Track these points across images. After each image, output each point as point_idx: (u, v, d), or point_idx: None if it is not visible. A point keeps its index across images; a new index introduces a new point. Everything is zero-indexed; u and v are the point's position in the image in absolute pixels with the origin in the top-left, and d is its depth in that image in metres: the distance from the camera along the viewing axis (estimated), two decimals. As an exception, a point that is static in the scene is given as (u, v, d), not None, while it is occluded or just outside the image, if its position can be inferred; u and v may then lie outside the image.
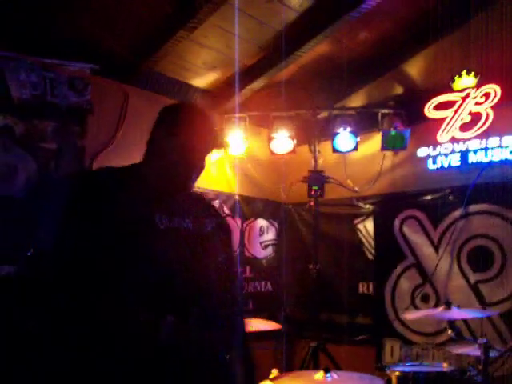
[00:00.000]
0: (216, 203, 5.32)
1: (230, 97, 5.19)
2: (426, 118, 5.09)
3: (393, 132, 5.12)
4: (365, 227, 5.63)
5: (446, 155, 5.05)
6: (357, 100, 5.60)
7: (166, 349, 1.71)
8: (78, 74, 4.12)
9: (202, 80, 5.12)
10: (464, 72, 4.89)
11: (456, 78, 4.92)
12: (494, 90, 4.76)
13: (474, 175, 4.86)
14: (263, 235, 5.92)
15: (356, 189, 5.57)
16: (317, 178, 5.12)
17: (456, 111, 4.95)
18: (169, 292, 1.76)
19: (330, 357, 4.78)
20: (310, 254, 5.30)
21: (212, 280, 1.92)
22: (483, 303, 4.78)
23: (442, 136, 5.03)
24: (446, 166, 5.07)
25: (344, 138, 5.21)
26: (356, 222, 5.70)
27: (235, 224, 5.51)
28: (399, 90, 5.45)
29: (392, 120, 5.13)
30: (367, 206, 5.61)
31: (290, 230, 6.05)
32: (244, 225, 5.72)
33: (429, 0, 4.49)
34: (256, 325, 3.85)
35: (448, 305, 3.58)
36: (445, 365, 3.85)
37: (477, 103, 4.85)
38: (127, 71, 4.61)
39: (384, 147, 5.22)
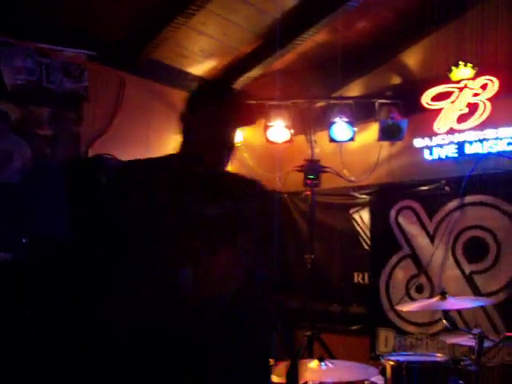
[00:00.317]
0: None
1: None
2: (423, 109, 5.08)
3: (390, 122, 5.11)
4: (360, 217, 5.63)
5: (442, 146, 5.05)
6: (354, 90, 5.59)
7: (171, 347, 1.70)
8: (74, 60, 4.10)
9: (200, 67, 5.09)
10: (461, 63, 4.87)
11: (453, 68, 4.91)
12: (491, 81, 4.75)
13: (470, 166, 4.84)
14: (258, 224, 5.90)
15: (352, 179, 5.56)
16: (313, 168, 5.11)
17: (453, 102, 4.95)
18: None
19: (325, 346, 4.79)
20: (305, 243, 5.30)
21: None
22: (478, 294, 4.79)
23: (439, 127, 5.03)
24: (442, 156, 5.07)
25: (341, 128, 5.20)
26: (352, 211, 5.69)
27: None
28: (396, 80, 5.44)
29: (389, 110, 5.13)
30: (363, 196, 5.60)
31: (286, 220, 6.05)
32: (240, 214, 5.69)
33: (427, -10, 4.48)
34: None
35: (443, 295, 3.58)
36: (439, 355, 3.87)
37: (474, 94, 4.84)
38: (124, 58, 4.58)
39: (381, 137, 5.21)
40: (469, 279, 4.88)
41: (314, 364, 3.18)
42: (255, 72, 5.03)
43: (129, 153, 4.52)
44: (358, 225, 5.63)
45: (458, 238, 4.97)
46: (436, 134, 5.06)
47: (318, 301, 5.53)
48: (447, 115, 4.98)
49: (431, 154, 5.12)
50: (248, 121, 2.05)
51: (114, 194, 1.79)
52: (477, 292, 4.81)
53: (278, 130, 5.25)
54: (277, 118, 5.21)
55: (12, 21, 3.84)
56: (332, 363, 3.24)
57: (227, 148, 1.92)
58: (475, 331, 3.40)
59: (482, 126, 4.83)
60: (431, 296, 4.84)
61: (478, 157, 4.85)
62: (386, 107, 5.16)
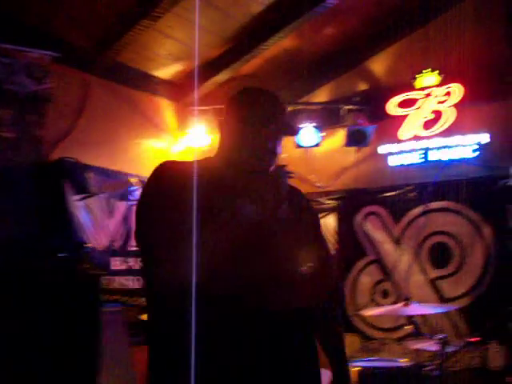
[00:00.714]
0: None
1: (194, 89, 5.13)
2: (388, 115, 5.12)
3: (356, 128, 5.14)
4: (327, 223, 5.64)
5: (407, 152, 5.09)
6: (321, 95, 5.60)
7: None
8: (38, 61, 4.01)
9: (166, 71, 5.05)
10: (426, 71, 4.93)
11: (418, 76, 4.96)
12: (456, 88, 4.81)
13: (435, 173, 4.91)
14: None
15: (319, 184, 5.57)
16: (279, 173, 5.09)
17: (418, 109, 5.00)
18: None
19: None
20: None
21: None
22: (442, 299, 4.84)
23: (404, 133, 5.07)
24: (407, 163, 5.11)
25: (308, 133, 5.20)
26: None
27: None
28: (363, 86, 5.47)
29: (356, 116, 5.15)
30: (330, 201, 5.61)
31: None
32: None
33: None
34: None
35: (407, 301, 3.60)
36: (403, 360, 3.89)
37: (439, 101, 4.90)
38: (88, 60, 4.51)
39: (347, 143, 5.23)
40: (433, 284, 4.92)
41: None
42: (222, 76, 5.01)
43: (92, 156, 4.46)
44: (325, 230, 5.62)
45: (423, 244, 5.02)
46: (401, 141, 5.10)
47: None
48: (412, 122, 5.02)
49: (397, 160, 5.16)
50: (291, 131, 2.03)
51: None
52: (441, 297, 4.86)
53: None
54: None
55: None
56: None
57: (267, 151, 1.89)
58: (438, 336, 3.44)
59: (446, 133, 4.89)
60: (396, 301, 4.86)
61: (442, 163, 4.91)
62: (352, 113, 5.18)
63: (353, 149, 5.40)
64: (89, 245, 4.28)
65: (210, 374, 1.63)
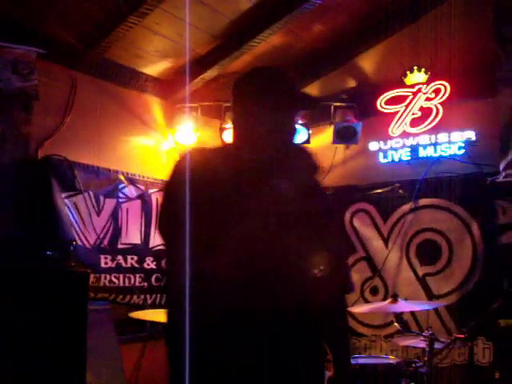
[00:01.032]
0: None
1: (183, 86, 5.11)
2: (377, 113, 5.13)
3: (344, 125, 5.14)
4: (316, 220, 5.63)
5: (396, 149, 5.11)
6: (310, 92, 5.59)
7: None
8: (24, 58, 3.97)
9: (154, 68, 5.01)
10: (415, 68, 4.94)
11: (408, 73, 4.98)
12: (443, 86, 4.82)
13: (424, 169, 4.92)
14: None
15: (308, 181, 5.55)
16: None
17: (407, 106, 5.01)
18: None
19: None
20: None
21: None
22: (431, 296, 4.85)
23: (393, 130, 5.09)
24: (396, 160, 5.13)
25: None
26: (307, 214, 5.69)
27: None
28: (352, 83, 5.47)
29: (344, 113, 5.15)
30: (319, 198, 5.60)
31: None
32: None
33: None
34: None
35: (395, 297, 3.61)
36: (392, 357, 3.91)
37: (427, 99, 4.91)
38: (75, 57, 4.47)
39: (336, 140, 5.23)
40: (422, 281, 4.93)
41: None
42: (210, 73, 4.98)
43: (80, 153, 4.43)
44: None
45: (412, 241, 5.03)
46: (390, 138, 5.12)
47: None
48: (401, 119, 5.03)
49: (385, 157, 5.18)
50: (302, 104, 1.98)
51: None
52: (430, 294, 4.87)
53: (234, 132, 5.21)
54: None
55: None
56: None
57: (286, 128, 1.86)
58: (426, 333, 3.44)
59: (434, 130, 4.91)
60: (385, 298, 4.88)
61: (430, 160, 4.92)
62: (341, 110, 5.19)
63: (342, 146, 5.41)
64: (77, 242, 4.26)
65: (219, 371, 1.67)
